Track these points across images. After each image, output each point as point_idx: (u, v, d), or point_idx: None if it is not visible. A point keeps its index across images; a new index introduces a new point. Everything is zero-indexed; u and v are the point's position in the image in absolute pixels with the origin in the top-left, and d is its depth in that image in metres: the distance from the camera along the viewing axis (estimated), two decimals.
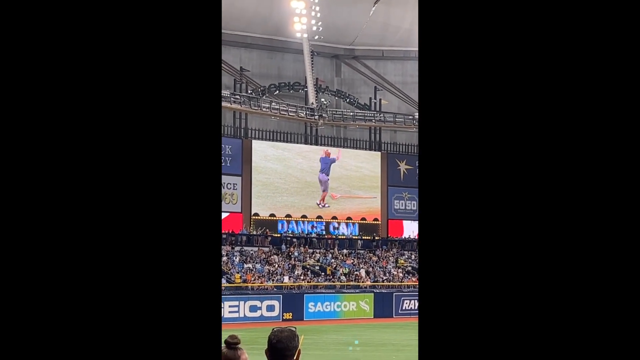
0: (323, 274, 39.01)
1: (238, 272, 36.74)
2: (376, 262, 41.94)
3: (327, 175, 45.21)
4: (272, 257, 39.65)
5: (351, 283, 38.55)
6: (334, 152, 45.89)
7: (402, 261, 42.42)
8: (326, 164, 45.31)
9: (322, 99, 45.70)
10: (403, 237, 45.80)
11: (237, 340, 4.19)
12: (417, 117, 44.86)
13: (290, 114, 44.40)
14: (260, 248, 40.65)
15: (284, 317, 34.24)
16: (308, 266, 39.62)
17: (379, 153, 46.89)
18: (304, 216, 44.90)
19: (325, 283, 38.06)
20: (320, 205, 44.97)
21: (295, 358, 3.39)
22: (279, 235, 43.07)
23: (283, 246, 41.29)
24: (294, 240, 42.63)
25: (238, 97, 43.37)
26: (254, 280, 36.47)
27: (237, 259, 38.36)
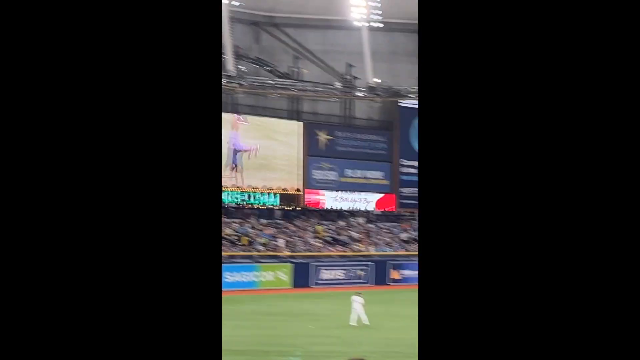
0: (239, 243, 38.75)
1: None
2: (295, 232, 41.91)
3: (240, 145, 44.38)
4: None
5: (269, 253, 38.42)
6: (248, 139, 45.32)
7: (321, 229, 42.53)
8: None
9: (241, 67, 45.03)
10: (324, 208, 45.81)
11: None
12: (338, 86, 45.32)
13: None
14: None
15: None
16: (225, 236, 39.26)
17: (300, 123, 46.63)
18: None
19: (243, 253, 37.82)
20: (231, 177, 43.85)
21: None
22: None
23: None
24: None
25: None
26: None
27: None
